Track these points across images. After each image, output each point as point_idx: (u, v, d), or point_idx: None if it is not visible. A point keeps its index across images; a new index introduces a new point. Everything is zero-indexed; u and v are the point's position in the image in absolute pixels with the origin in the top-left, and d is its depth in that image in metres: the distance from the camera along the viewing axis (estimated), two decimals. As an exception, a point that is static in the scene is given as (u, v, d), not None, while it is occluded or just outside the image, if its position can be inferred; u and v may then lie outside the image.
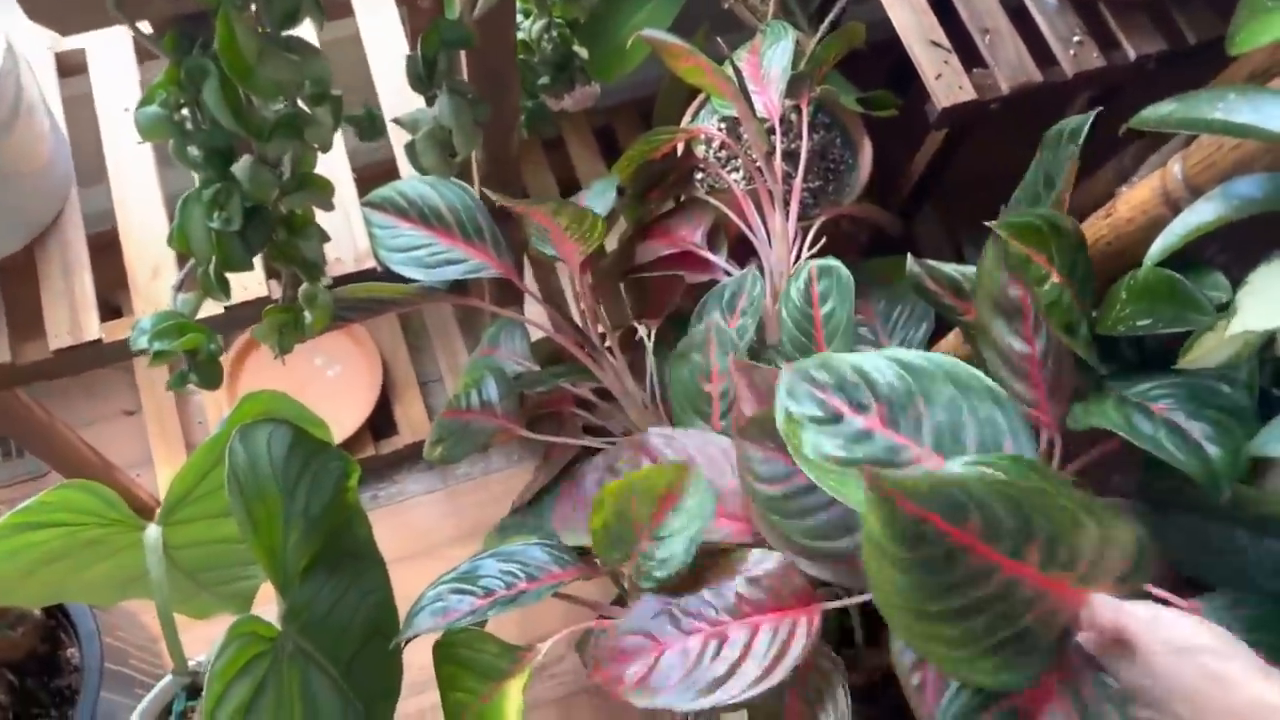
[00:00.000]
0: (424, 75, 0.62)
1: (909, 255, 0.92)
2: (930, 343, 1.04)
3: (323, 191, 0.70)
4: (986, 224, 0.72)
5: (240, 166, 0.68)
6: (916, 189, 1.27)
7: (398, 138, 1.07)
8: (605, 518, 0.81)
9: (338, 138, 1.07)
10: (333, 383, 1.41)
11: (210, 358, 0.66)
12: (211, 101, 0.62)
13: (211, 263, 0.67)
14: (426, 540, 1.42)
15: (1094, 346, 0.77)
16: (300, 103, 0.65)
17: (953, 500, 0.53)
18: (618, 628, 0.75)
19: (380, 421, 1.42)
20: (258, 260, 0.79)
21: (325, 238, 0.72)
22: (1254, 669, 0.51)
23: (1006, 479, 0.56)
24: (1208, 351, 0.68)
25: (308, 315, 0.74)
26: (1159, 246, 0.64)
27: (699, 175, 1.24)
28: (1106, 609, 0.57)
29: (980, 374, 0.68)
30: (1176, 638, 0.54)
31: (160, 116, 0.65)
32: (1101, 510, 0.56)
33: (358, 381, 1.41)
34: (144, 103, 0.65)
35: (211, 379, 0.66)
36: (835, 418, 0.69)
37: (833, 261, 0.89)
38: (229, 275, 0.89)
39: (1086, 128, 0.77)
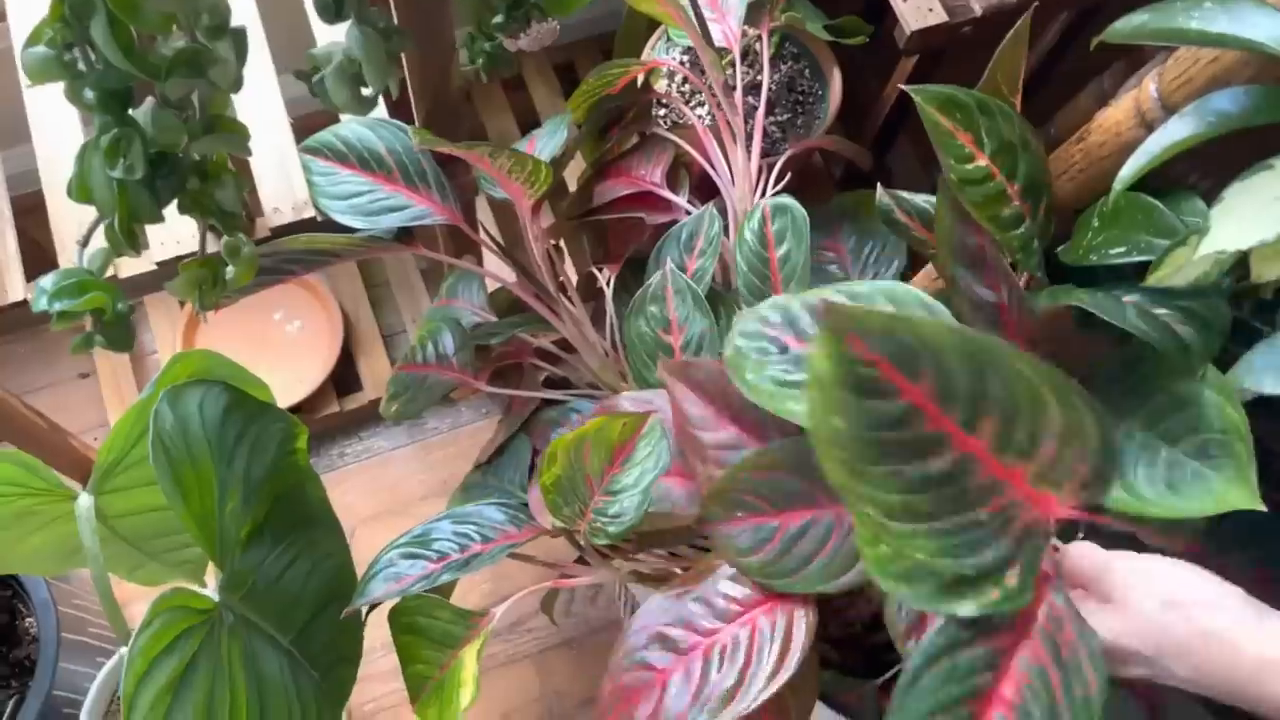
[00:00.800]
0: (331, 3, 0.57)
1: (878, 186, 0.88)
2: (903, 279, 0.99)
3: (237, 135, 0.65)
4: (902, 87, 0.69)
5: (142, 110, 0.63)
6: (889, 120, 1.21)
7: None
8: (557, 473, 0.77)
9: (273, 84, 1.01)
10: (293, 338, 1.37)
11: (118, 318, 0.62)
12: (100, 39, 0.57)
13: (116, 215, 0.62)
14: (397, 497, 1.39)
15: (1039, 257, 0.73)
16: (200, 38, 0.60)
17: (906, 347, 0.46)
18: (615, 665, 0.68)
19: (344, 376, 1.38)
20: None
21: (244, 185, 0.67)
22: (1248, 621, 0.48)
23: (964, 331, 0.47)
24: (1176, 269, 0.64)
25: (230, 270, 0.69)
26: (1130, 169, 0.60)
27: (662, 111, 1.18)
28: (1087, 558, 0.54)
29: (919, 293, 0.64)
30: (1164, 590, 0.50)
31: (49, 57, 0.59)
32: (1068, 392, 0.49)
33: (319, 336, 1.36)
34: (30, 42, 0.60)
35: (120, 341, 0.62)
36: (783, 349, 0.66)
37: (787, 200, 0.84)
38: (152, 228, 0.84)
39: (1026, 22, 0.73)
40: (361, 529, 1.37)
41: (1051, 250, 0.77)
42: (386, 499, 1.39)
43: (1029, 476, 0.49)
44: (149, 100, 0.63)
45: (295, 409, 1.33)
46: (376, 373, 1.38)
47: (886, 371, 0.46)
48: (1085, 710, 0.49)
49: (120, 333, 0.62)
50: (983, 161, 0.72)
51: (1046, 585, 0.52)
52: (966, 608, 0.50)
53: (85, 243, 0.66)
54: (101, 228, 0.65)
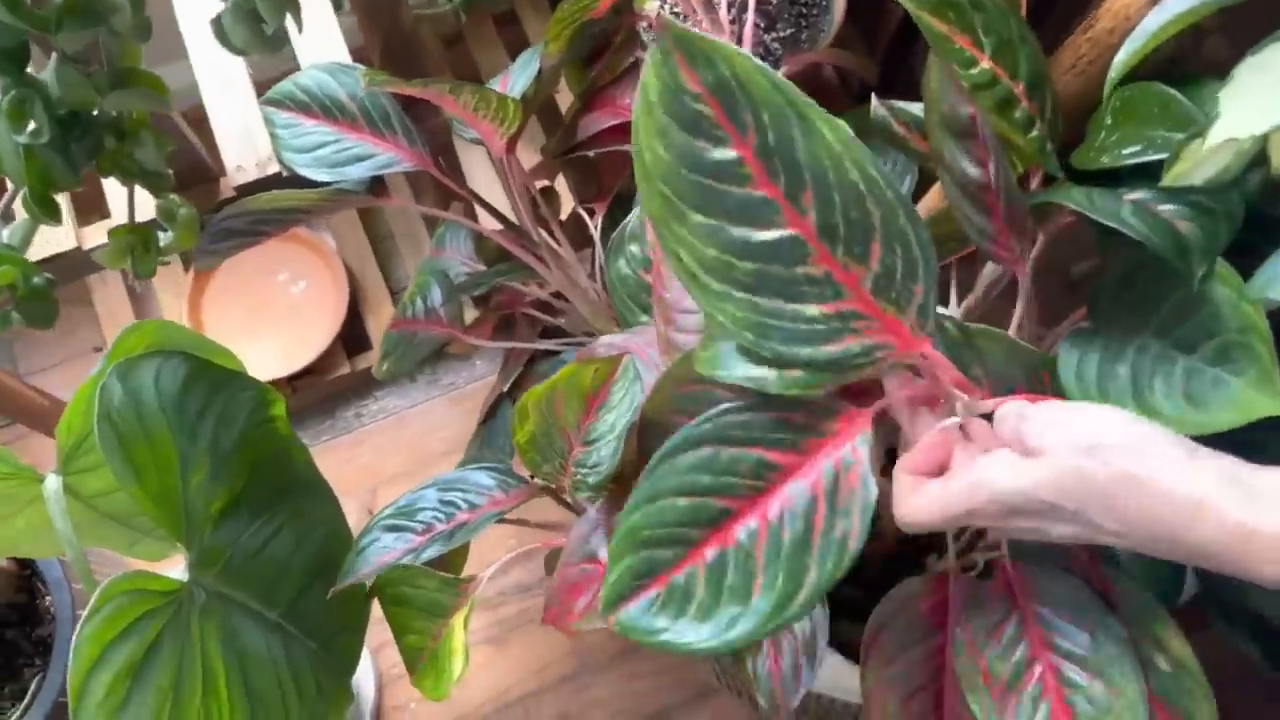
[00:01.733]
0: (219, -67, 0.52)
1: (873, 97, 0.80)
2: (914, 199, 0.92)
3: (151, 88, 0.60)
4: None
5: (48, 69, 0.59)
6: (904, 24, 1.12)
7: (300, 45, 0.95)
8: (531, 429, 0.72)
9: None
10: (299, 299, 1.34)
11: (35, 293, 0.59)
12: (-22, -8, 0.53)
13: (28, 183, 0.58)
14: (417, 455, 1.37)
15: (1055, 159, 0.66)
16: (90, -17, 0.55)
17: (731, 94, 0.44)
18: (563, 561, 0.68)
19: (353, 335, 1.35)
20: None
21: (167, 143, 0.63)
22: (1176, 460, 0.44)
23: (782, 86, 0.44)
24: (1194, 164, 0.56)
25: (166, 235, 0.65)
26: (1126, 51, 0.52)
27: (652, 36, 1.11)
28: (1010, 411, 0.49)
29: None
30: (1082, 435, 0.46)
31: (-65, 17, 0.55)
32: (895, 202, 0.45)
33: (325, 295, 1.33)
34: (-85, 2, 0.55)
35: (40, 316, 0.59)
36: None
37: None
38: (114, 191, 0.81)
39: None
40: (383, 489, 1.35)
41: (1066, 154, 0.69)
42: (406, 457, 1.37)
43: (868, 284, 0.47)
44: (53, 57, 0.59)
45: (306, 371, 1.31)
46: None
47: (716, 112, 0.44)
48: (838, 554, 0.48)
49: (39, 308, 0.58)
50: (985, 64, 0.64)
51: (857, 424, 0.50)
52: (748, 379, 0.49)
53: (5, 215, 0.62)
54: (20, 199, 0.62)
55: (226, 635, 0.72)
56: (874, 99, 0.79)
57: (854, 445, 0.49)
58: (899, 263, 0.46)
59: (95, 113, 0.61)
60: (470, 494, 0.80)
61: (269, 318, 1.32)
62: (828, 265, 0.46)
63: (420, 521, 0.81)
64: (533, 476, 0.79)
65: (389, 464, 1.36)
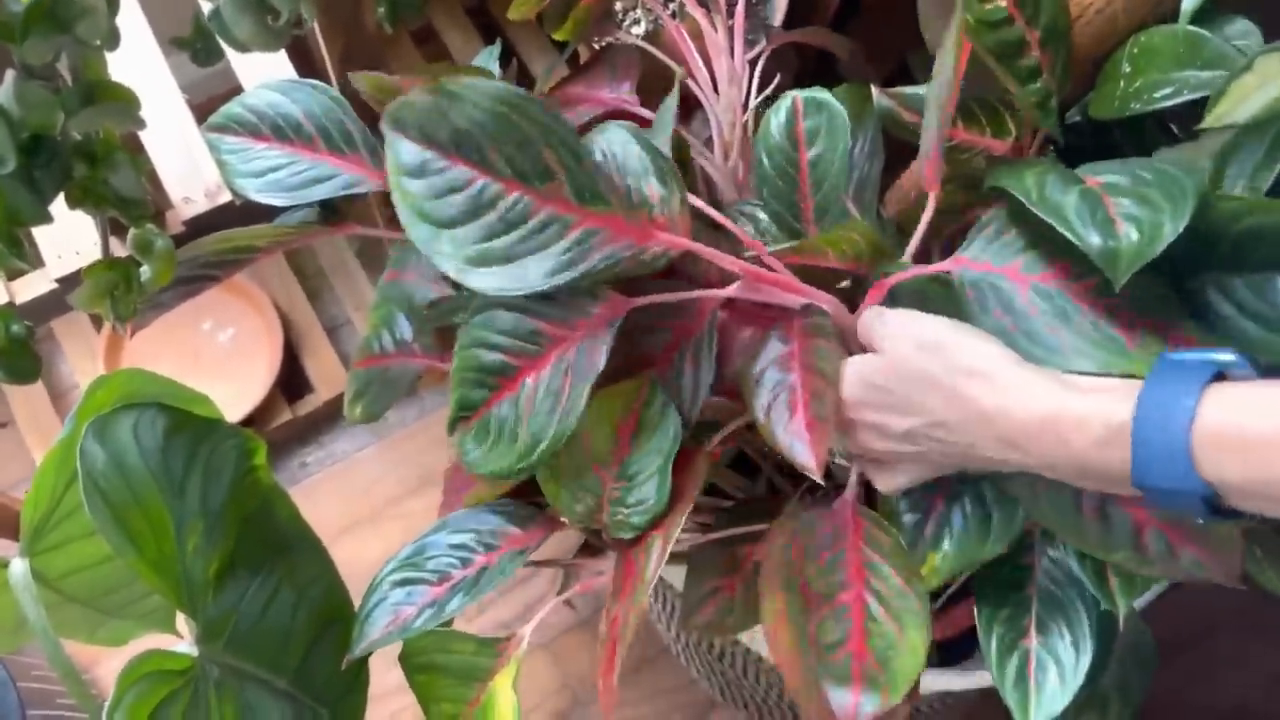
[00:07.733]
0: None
1: (872, 89, 0.78)
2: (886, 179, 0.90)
3: (123, 102, 0.54)
4: None
5: (4, 88, 0.51)
6: (840, 9, 1.11)
7: (238, 60, 0.89)
8: (553, 465, 0.66)
9: (160, 62, 0.89)
10: (228, 348, 1.25)
11: (14, 343, 0.51)
12: (-73, -2, 0.46)
13: (-9, 220, 0.51)
14: (372, 501, 1.29)
15: (1056, 116, 0.66)
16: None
17: (452, 129, 0.55)
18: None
19: (292, 380, 1.27)
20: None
21: (143, 165, 0.56)
22: (1001, 358, 0.51)
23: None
24: (1237, 103, 0.56)
25: (145, 270, 0.58)
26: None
27: (634, 16, 1.07)
28: (869, 313, 0.57)
29: None
30: (924, 334, 0.53)
31: None
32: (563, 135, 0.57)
33: (256, 341, 1.24)
34: None
35: (22, 369, 0.51)
36: None
37: (822, 95, 0.73)
38: (47, 240, 0.74)
39: None
40: (339, 541, 1.26)
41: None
42: (360, 504, 1.29)
43: (570, 196, 0.56)
44: (9, 74, 0.52)
45: (245, 423, 1.21)
46: (326, 370, 1.27)
47: (439, 153, 0.55)
48: (569, 415, 0.59)
49: (21, 360, 0.51)
50: (1003, 1, 0.63)
51: (616, 309, 0.59)
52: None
53: (-42, 260, 0.54)
54: None
55: (244, 712, 0.65)
56: (875, 91, 0.77)
57: (606, 326, 0.59)
58: (580, 174, 0.56)
59: (58, 135, 0.54)
60: (483, 534, 0.74)
61: (199, 371, 1.22)
62: (531, 199, 0.55)
63: (433, 571, 0.74)
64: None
65: (343, 514, 1.28)
